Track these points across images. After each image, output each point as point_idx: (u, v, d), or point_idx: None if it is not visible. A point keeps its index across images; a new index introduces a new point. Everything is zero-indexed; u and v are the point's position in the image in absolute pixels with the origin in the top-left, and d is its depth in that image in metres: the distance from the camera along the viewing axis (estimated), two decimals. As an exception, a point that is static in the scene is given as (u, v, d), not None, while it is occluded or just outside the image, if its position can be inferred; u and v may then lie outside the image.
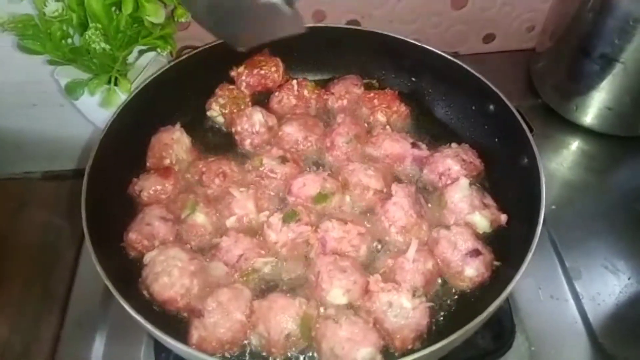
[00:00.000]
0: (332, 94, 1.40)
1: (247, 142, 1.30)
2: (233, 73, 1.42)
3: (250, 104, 1.37)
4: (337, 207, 1.18)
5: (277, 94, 1.39)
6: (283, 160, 1.22)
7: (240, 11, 0.94)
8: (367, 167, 1.21)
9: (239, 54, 1.35)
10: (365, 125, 1.34)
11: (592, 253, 1.26)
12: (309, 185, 1.17)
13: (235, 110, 1.34)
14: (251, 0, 0.88)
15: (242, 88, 1.41)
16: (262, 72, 1.41)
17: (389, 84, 1.43)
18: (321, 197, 1.17)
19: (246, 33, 0.99)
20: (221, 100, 1.36)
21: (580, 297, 1.19)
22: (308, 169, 1.26)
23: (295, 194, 1.17)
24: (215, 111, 1.36)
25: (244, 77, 1.41)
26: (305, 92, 1.39)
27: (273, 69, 1.42)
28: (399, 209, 1.12)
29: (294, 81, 1.40)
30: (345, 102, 1.39)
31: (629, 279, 1.22)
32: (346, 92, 1.39)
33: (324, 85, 1.43)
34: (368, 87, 1.41)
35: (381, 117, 1.35)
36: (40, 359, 1.31)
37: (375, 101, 1.36)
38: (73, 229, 1.51)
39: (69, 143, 1.59)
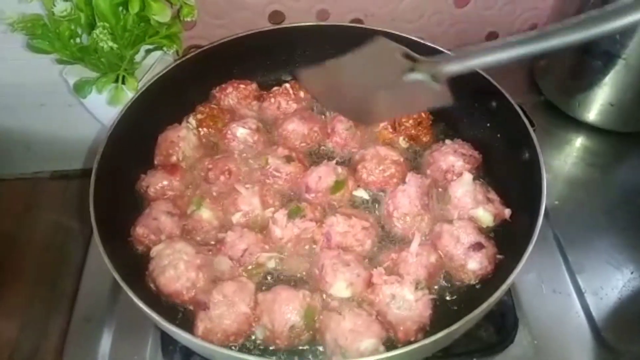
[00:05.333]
0: None
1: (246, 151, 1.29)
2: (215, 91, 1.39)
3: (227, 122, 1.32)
4: (347, 194, 1.19)
5: (272, 100, 1.36)
6: (288, 159, 1.23)
7: (379, 90, 0.93)
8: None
9: (240, 56, 1.39)
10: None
11: (595, 248, 1.26)
12: (324, 177, 1.18)
13: (211, 124, 1.31)
14: (395, 79, 0.89)
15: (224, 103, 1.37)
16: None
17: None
18: (338, 185, 1.18)
19: (382, 109, 0.98)
20: (199, 116, 1.33)
21: (583, 291, 1.19)
22: (314, 162, 1.26)
23: (315, 190, 1.18)
24: (192, 124, 1.31)
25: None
26: (301, 94, 1.38)
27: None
28: (406, 197, 1.14)
29: (287, 85, 1.38)
30: None
31: (632, 273, 1.22)
32: None
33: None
34: None
35: None
36: (49, 355, 1.33)
37: None
38: (81, 228, 1.54)
39: (77, 143, 1.61)
